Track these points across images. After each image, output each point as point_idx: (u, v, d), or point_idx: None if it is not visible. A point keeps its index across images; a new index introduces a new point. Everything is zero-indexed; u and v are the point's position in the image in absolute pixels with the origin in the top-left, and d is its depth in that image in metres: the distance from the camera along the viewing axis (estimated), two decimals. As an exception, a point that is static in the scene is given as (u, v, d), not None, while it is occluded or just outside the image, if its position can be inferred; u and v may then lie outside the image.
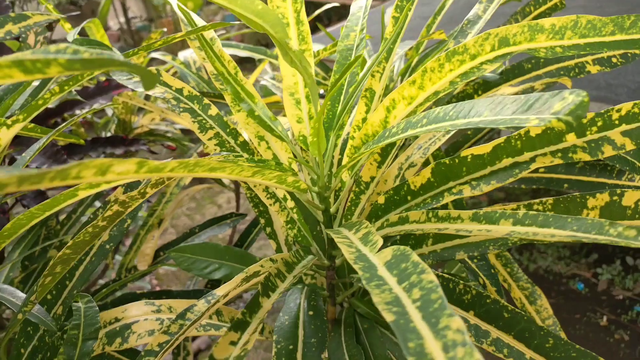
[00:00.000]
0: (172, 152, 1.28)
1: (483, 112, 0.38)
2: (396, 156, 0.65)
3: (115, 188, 1.08)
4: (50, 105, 0.78)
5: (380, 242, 0.39)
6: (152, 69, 0.59)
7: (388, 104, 0.53)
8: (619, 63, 0.75)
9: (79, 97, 0.82)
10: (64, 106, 0.88)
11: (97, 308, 0.48)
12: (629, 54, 0.76)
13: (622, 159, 0.75)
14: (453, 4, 0.76)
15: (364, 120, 0.59)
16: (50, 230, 0.84)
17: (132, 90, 0.86)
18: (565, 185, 0.81)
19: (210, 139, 0.58)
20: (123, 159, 0.27)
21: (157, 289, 2.09)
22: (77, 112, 0.88)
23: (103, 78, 0.99)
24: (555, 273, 2.15)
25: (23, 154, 0.65)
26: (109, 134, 1.09)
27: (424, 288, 0.30)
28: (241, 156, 0.56)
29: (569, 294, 2.04)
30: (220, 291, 0.48)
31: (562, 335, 0.64)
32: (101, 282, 1.27)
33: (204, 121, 0.58)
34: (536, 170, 0.84)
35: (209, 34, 0.59)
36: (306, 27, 0.59)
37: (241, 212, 0.98)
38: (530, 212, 0.39)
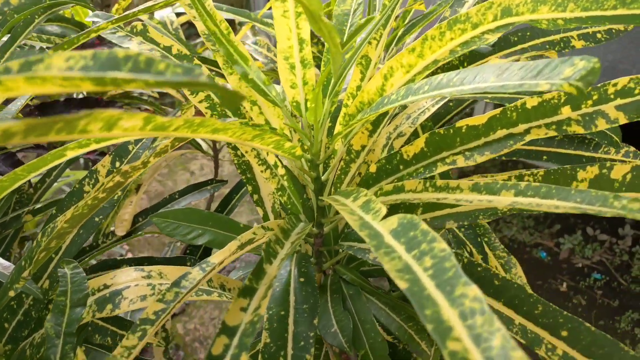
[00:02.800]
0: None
1: (489, 78, 0.38)
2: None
3: (94, 152, 1.04)
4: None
5: (384, 210, 0.38)
6: (138, 23, 0.55)
7: (386, 71, 0.52)
8: (603, 39, 0.76)
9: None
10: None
11: (84, 274, 0.47)
12: (614, 30, 0.77)
13: (601, 133, 0.77)
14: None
15: (359, 88, 0.58)
16: (22, 194, 0.81)
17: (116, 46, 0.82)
18: (544, 157, 0.83)
19: (201, 101, 0.56)
20: (131, 113, 0.26)
21: (129, 255, 2.06)
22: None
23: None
24: (519, 242, 2.23)
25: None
26: (80, 96, 1.04)
27: (435, 256, 0.30)
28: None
29: (533, 262, 2.13)
30: (215, 259, 0.47)
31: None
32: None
33: (193, 83, 0.55)
34: (517, 142, 0.85)
35: (199, -10, 0.56)
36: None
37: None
38: (533, 184, 0.39)
